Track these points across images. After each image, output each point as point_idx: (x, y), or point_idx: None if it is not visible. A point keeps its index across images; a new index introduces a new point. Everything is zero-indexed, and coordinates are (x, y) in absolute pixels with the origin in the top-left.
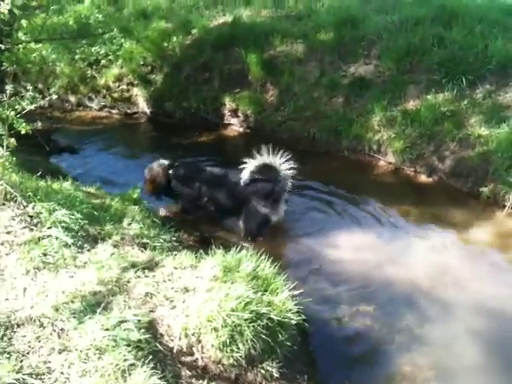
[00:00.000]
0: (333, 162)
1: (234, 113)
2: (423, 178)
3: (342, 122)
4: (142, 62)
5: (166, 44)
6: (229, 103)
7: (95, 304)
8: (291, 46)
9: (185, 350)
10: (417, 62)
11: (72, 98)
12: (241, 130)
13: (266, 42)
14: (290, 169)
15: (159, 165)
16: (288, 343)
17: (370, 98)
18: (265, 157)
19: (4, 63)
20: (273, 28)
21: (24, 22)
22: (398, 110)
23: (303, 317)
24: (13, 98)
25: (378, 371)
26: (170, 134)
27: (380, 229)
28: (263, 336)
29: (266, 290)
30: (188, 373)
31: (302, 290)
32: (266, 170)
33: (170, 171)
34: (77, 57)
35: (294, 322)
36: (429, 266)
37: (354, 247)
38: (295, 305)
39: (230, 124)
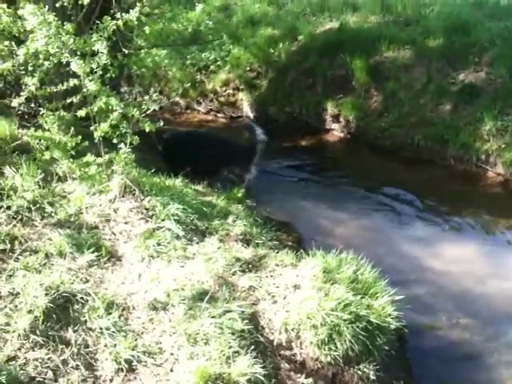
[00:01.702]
0: (437, 170)
1: (336, 118)
2: None
3: (448, 130)
4: (248, 68)
5: (272, 50)
6: (331, 108)
7: (203, 293)
8: (398, 52)
9: (284, 344)
10: None
11: (182, 102)
12: (342, 135)
13: (372, 47)
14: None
15: None
16: (386, 347)
17: (480, 105)
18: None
19: (131, 67)
20: (380, 34)
21: (147, 29)
22: (509, 119)
23: (402, 323)
24: (138, 99)
25: None
26: (271, 137)
27: (485, 242)
28: (361, 338)
29: (365, 294)
30: (287, 366)
31: (401, 297)
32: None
33: None
34: (187, 62)
35: (392, 326)
36: None
37: (456, 259)
38: (394, 310)
39: (331, 129)
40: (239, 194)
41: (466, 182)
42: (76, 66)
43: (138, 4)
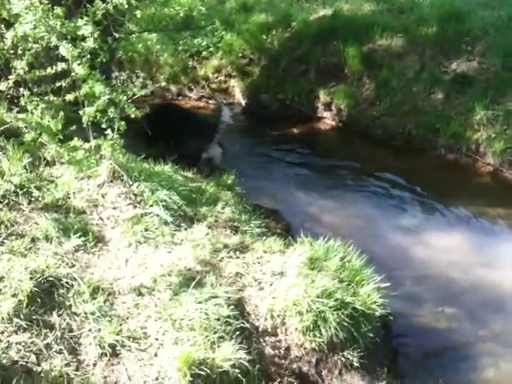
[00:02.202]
0: (428, 159)
1: (328, 106)
2: None
3: (440, 119)
4: (240, 54)
5: (265, 37)
6: (323, 96)
7: (190, 279)
8: (391, 40)
9: (269, 330)
10: None
11: (173, 88)
12: (333, 123)
13: (365, 35)
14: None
15: None
16: (370, 334)
17: (472, 95)
18: None
19: (119, 52)
20: (373, 21)
21: (138, 13)
22: (500, 109)
23: (388, 310)
24: (125, 84)
25: (459, 373)
26: (263, 124)
27: (472, 231)
28: (346, 324)
29: (351, 281)
30: (271, 352)
31: (387, 284)
32: None
33: None
34: (179, 48)
35: (377, 314)
36: None
37: (444, 247)
38: (380, 297)
39: (323, 117)
40: (229, 181)
41: (456, 171)
42: (64, 49)
43: None
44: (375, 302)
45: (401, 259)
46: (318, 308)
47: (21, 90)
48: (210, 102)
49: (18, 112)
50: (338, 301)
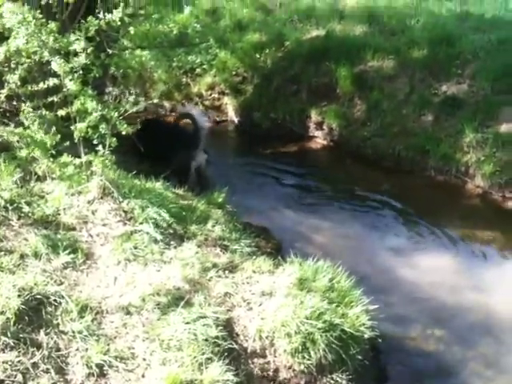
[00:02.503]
0: (417, 181)
1: (320, 125)
2: None
3: (429, 141)
4: (234, 72)
5: (258, 55)
6: (315, 116)
7: (178, 298)
8: (382, 62)
9: (258, 351)
10: None
11: (166, 104)
12: (325, 142)
13: (357, 56)
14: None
15: None
16: (359, 357)
17: (461, 117)
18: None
19: (112, 68)
20: (365, 42)
21: (132, 30)
22: (489, 132)
23: (376, 332)
24: (116, 101)
25: None
26: (255, 142)
27: (462, 253)
28: (335, 347)
29: (340, 302)
30: (260, 373)
31: (376, 306)
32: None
33: None
34: (174, 64)
35: (366, 336)
36: (509, 295)
37: (432, 269)
38: (369, 320)
39: (314, 136)
40: (220, 199)
41: (446, 193)
42: (56, 65)
43: (121, 4)
44: (364, 324)
45: (390, 280)
46: (306, 329)
47: (14, 103)
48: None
49: (11, 126)
50: (327, 322)
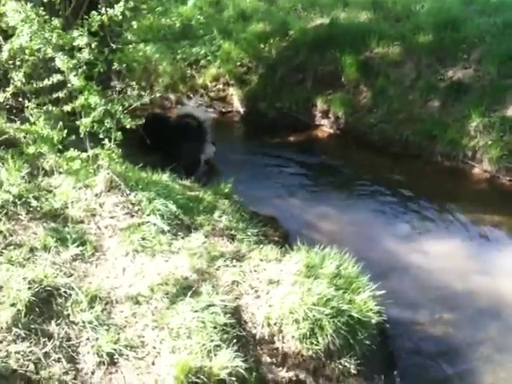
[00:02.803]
0: (425, 166)
1: (325, 114)
2: None
3: (436, 126)
4: (238, 63)
5: (262, 45)
6: (320, 104)
7: (186, 287)
8: (388, 48)
9: (266, 338)
10: None
11: (172, 96)
12: (331, 131)
13: (362, 43)
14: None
15: None
16: (367, 342)
17: (468, 102)
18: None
19: (115, 62)
20: (370, 29)
21: (135, 24)
22: (496, 116)
23: (384, 317)
24: (120, 95)
25: (456, 379)
26: (261, 132)
27: (470, 238)
28: (343, 332)
29: (347, 289)
30: (268, 360)
31: (384, 292)
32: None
33: None
34: (178, 57)
35: (374, 321)
36: None
37: (440, 254)
38: (376, 305)
39: (320, 125)
40: (226, 189)
41: (453, 178)
42: (60, 61)
43: None
44: (371, 310)
45: (397, 266)
46: (314, 316)
47: (20, 100)
48: (209, 110)
49: (17, 122)
50: (335, 308)
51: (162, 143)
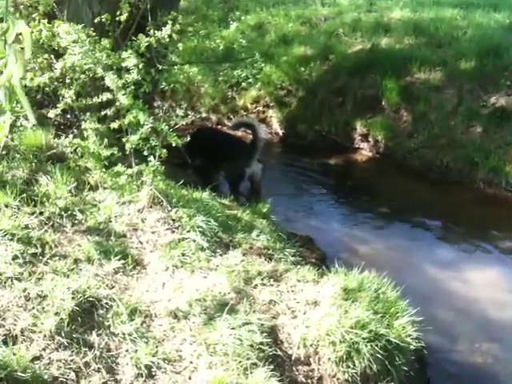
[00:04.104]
0: (466, 193)
1: (365, 137)
2: None
3: (478, 153)
4: (279, 86)
5: (303, 69)
6: (360, 127)
7: (224, 304)
8: (429, 73)
9: (302, 359)
10: None
11: (213, 117)
12: (370, 154)
13: (403, 68)
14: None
15: None
16: (405, 368)
17: (511, 129)
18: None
19: (162, 82)
20: (411, 55)
21: (180, 46)
22: None
23: (422, 344)
24: (167, 114)
25: None
26: (300, 154)
27: (510, 267)
28: (380, 357)
29: (386, 313)
30: (304, 381)
31: (423, 318)
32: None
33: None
34: (220, 79)
35: (412, 347)
36: None
37: (481, 283)
38: (415, 331)
39: (359, 148)
40: (264, 209)
41: (495, 206)
42: (109, 80)
43: (170, 22)
44: (410, 335)
45: (436, 293)
46: (351, 339)
47: (67, 117)
48: (248, 131)
49: (65, 137)
50: (372, 332)
51: (206, 154)
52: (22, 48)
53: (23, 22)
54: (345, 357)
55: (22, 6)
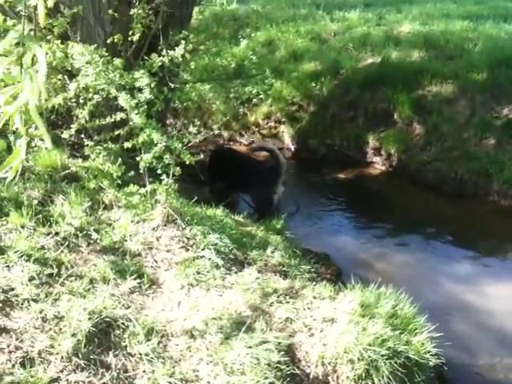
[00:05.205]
0: (481, 206)
1: (377, 151)
2: None
3: (492, 165)
4: (290, 101)
5: (313, 84)
6: (372, 141)
7: (240, 323)
8: (441, 86)
9: (320, 377)
10: None
11: (225, 134)
12: (383, 168)
13: (414, 81)
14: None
15: None
16: None
17: None
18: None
19: (175, 101)
20: (422, 67)
21: (192, 64)
22: None
23: (442, 360)
24: (180, 132)
25: None
26: (312, 168)
27: None
28: (399, 374)
29: (404, 329)
30: None
31: (442, 333)
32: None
33: None
34: (231, 96)
35: (431, 364)
36: None
37: (500, 297)
38: (434, 347)
39: (372, 162)
40: (278, 226)
41: (510, 218)
42: (123, 100)
43: (183, 42)
44: (429, 352)
45: (455, 308)
46: (369, 356)
47: (82, 136)
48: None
49: (80, 158)
50: (391, 349)
51: (230, 178)
52: (37, 71)
53: (39, 45)
54: (364, 375)
55: (37, 29)
